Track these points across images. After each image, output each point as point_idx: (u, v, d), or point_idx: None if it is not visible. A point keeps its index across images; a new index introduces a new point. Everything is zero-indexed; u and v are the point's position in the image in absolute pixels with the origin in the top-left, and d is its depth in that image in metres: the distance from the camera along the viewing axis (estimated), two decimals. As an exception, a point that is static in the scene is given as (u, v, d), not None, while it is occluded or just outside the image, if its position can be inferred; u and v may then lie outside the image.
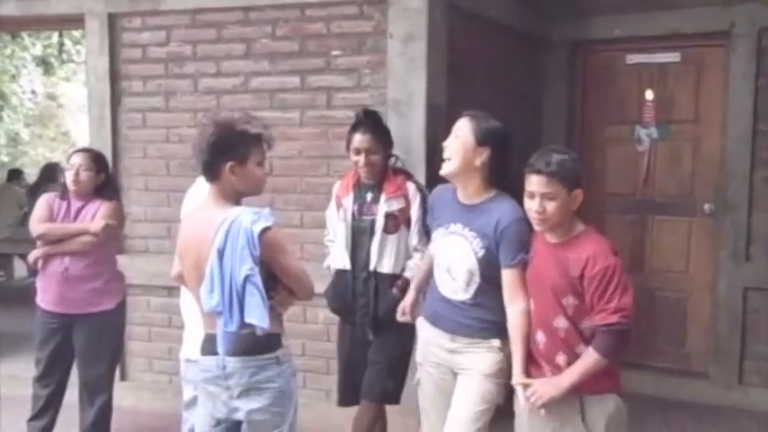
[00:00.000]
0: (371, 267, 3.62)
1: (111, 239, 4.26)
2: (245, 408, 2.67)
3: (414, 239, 3.62)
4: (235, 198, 2.69)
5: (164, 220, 4.89)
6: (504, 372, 2.96)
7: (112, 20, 4.95)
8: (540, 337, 2.80)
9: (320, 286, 4.20)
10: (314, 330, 4.61)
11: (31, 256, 4.26)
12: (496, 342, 2.95)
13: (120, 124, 5.02)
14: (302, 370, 4.58)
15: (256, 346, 2.63)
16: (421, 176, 4.03)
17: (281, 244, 2.65)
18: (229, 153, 2.61)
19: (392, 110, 4.29)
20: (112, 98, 4.99)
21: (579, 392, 2.73)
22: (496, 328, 2.94)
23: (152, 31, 4.89)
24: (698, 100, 5.35)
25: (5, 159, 12.74)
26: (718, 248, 5.26)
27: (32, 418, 4.36)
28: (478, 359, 2.98)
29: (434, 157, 3.69)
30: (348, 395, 3.80)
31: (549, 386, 2.72)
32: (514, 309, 2.87)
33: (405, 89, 4.27)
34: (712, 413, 5.06)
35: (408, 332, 3.50)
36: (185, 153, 4.74)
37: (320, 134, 4.52)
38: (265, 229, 2.54)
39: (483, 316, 2.96)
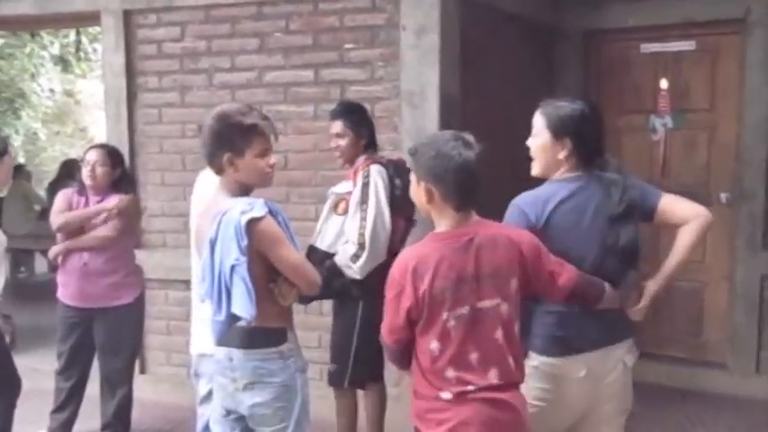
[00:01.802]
0: (312, 241, 3.79)
1: (128, 233, 4.32)
2: (248, 401, 2.67)
3: (347, 225, 3.71)
4: (240, 190, 2.67)
5: (180, 215, 4.94)
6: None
7: (128, 16, 5.00)
8: None
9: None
10: (329, 323, 4.63)
11: (52, 251, 4.32)
12: None
13: (136, 120, 5.07)
14: (319, 362, 4.61)
15: (260, 339, 2.64)
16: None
17: (272, 235, 2.58)
18: (226, 145, 2.60)
19: (405, 102, 4.30)
20: (129, 94, 5.05)
21: None
22: None
23: (167, 27, 4.93)
24: (713, 88, 5.32)
25: (22, 159, 12.84)
26: (735, 237, 5.24)
27: (55, 411, 4.44)
28: None
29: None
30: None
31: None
32: None
33: (418, 81, 4.28)
34: (729, 403, 5.05)
35: (349, 313, 3.74)
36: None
37: (334, 127, 4.54)
38: (255, 220, 2.51)
39: None
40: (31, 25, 7.35)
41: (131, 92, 5.05)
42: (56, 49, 12.36)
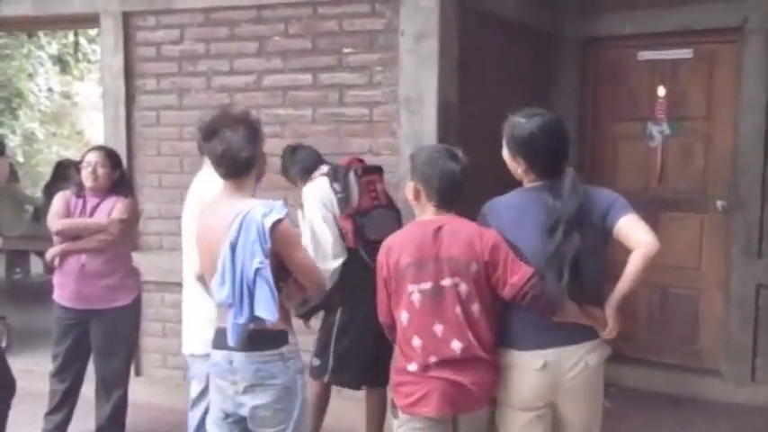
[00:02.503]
0: None
1: (127, 236, 4.32)
2: (249, 403, 2.69)
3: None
4: (251, 190, 2.75)
5: (177, 217, 4.88)
6: None
7: (127, 19, 5.00)
8: None
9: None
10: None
11: (49, 253, 4.32)
12: None
13: (134, 122, 5.07)
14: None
15: (261, 341, 2.65)
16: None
17: (292, 237, 2.67)
18: (261, 143, 2.76)
19: (404, 107, 4.32)
20: (127, 96, 5.05)
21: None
22: None
23: (166, 30, 4.94)
24: (710, 96, 5.35)
25: (21, 159, 12.83)
26: (731, 245, 5.25)
27: (49, 413, 4.42)
28: None
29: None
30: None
31: None
32: None
33: (416, 86, 4.29)
34: (724, 410, 5.06)
35: (331, 312, 3.91)
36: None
37: (332, 131, 4.55)
38: (277, 222, 2.57)
39: None
40: (30, 26, 7.36)
41: (130, 94, 5.06)
42: (53, 49, 12.35)
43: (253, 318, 2.57)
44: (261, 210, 2.57)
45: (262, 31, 4.69)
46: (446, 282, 2.67)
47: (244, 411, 2.71)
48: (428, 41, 4.26)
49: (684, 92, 5.41)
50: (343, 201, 3.82)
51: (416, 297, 2.69)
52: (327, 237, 3.81)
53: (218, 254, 2.61)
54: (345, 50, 4.50)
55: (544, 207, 2.67)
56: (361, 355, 3.89)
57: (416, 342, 2.68)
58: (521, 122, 2.81)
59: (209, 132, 2.68)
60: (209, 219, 2.77)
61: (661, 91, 5.46)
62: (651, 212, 5.51)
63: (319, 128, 4.59)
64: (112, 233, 4.14)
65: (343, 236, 3.83)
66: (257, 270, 2.53)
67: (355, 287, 3.75)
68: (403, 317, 2.72)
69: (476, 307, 2.68)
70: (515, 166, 2.84)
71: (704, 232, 5.42)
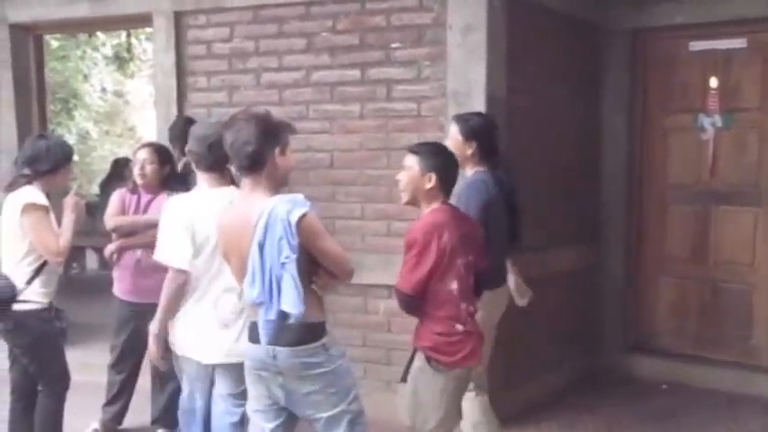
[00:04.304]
0: None
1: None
2: (300, 390, 2.77)
3: None
4: (273, 188, 2.78)
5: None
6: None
7: (178, 17, 5.10)
8: None
9: (384, 277, 4.29)
10: (375, 321, 4.67)
11: (107, 250, 4.45)
12: None
13: (186, 119, 5.15)
14: (363, 360, 4.65)
15: (304, 336, 2.72)
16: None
17: (318, 228, 2.72)
18: (276, 140, 2.77)
19: (452, 101, 4.32)
20: (178, 94, 5.14)
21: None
22: None
23: (216, 28, 5.02)
24: (764, 87, 5.22)
25: (76, 158, 13.14)
26: (786, 239, 5.14)
27: (107, 404, 4.55)
28: None
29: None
30: None
31: None
32: None
33: (464, 80, 4.29)
34: (780, 408, 4.96)
35: None
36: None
37: (380, 126, 4.57)
38: (302, 216, 2.62)
39: None
40: (86, 27, 7.55)
41: (181, 92, 5.15)
42: (108, 50, 12.62)
43: (281, 313, 2.63)
44: (284, 206, 2.62)
45: (310, 28, 4.73)
46: (470, 258, 3.22)
47: (297, 397, 2.79)
48: (476, 35, 4.25)
49: (737, 83, 5.30)
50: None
51: (462, 270, 3.17)
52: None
53: (248, 254, 2.66)
54: (393, 45, 4.51)
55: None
56: None
57: (463, 306, 3.18)
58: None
59: (225, 124, 2.82)
60: (231, 222, 2.82)
61: (713, 82, 5.36)
62: (703, 206, 5.46)
63: (367, 123, 4.61)
64: None
65: None
66: (282, 265, 2.58)
67: None
68: (453, 286, 3.15)
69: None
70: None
71: (758, 226, 5.30)
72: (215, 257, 3.25)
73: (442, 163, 3.24)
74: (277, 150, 2.76)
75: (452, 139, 3.71)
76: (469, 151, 3.67)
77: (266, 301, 2.65)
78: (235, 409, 3.41)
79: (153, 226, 4.23)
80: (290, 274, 2.59)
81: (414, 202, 3.29)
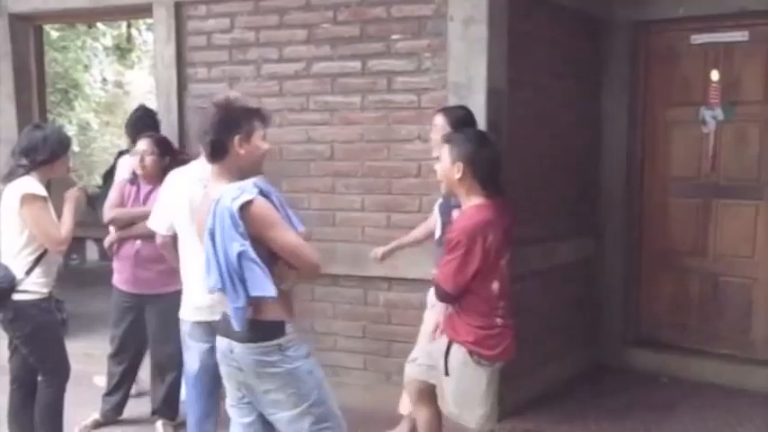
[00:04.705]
0: None
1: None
2: (260, 387, 2.71)
3: None
4: (238, 176, 2.68)
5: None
6: None
7: (179, 8, 5.08)
8: None
9: (383, 269, 4.29)
10: (374, 313, 4.67)
11: (107, 240, 4.47)
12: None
13: (185, 110, 5.14)
14: (363, 352, 4.66)
15: (259, 333, 2.66)
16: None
17: (266, 216, 2.60)
18: (236, 128, 2.66)
19: (452, 93, 4.30)
20: (179, 85, 5.13)
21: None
22: None
23: (216, 19, 5.00)
24: (766, 80, 5.20)
25: (77, 148, 13.11)
26: (787, 232, 5.14)
27: (107, 394, 4.56)
28: None
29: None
30: None
31: None
32: None
33: (465, 72, 4.28)
34: (779, 401, 4.96)
35: None
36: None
37: (381, 118, 4.56)
38: (247, 203, 2.54)
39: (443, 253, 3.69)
40: (86, 18, 7.52)
41: (181, 82, 5.13)
42: (108, 41, 12.59)
43: (250, 299, 2.58)
44: (231, 194, 2.55)
45: (310, 19, 4.71)
46: (509, 255, 3.29)
47: (257, 395, 2.73)
48: (477, 27, 4.23)
49: (739, 76, 5.28)
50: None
51: (505, 269, 3.25)
52: None
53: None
54: (394, 37, 4.49)
55: None
56: None
57: (502, 304, 3.25)
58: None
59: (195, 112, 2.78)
60: (199, 208, 2.80)
61: (715, 75, 5.34)
62: (704, 199, 5.45)
63: (368, 115, 4.60)
64: None
65: None
66: (240, 254, 2.53)
67: None
68: (494, 286, 3.21)
69: None
70: None
71: (758, 220, 5.29)
72: None
73: (470, 151, 3.18)
74: (237, 138, 2.65)
75: (440, 130, 3.75)
76: None
77: (228, 289, 2.60)
78: None
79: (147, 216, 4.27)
80: (253, 261, 2.53)
81: (452, 193, 3.31)
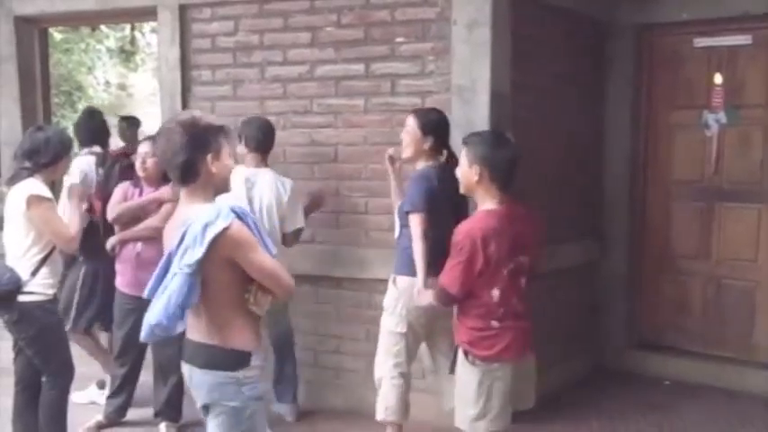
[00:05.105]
0: None
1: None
2: (209, 420, 2.65)
3: None
4: (211, 195, 2.61)
5: (232, 206, 5.01)
6: (400, 303, 3.84)
7: (183, 11, 5.09)
8: None
9: (387, 272, 4.29)
10: (378, 316, 4.62)
11: (108, 243, 4.47)
12: (392, 278, 3.94)
13: (189, 113, 5.15)
14: (365, 355, 4.61)
15: (219, 360, 2.57)
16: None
17: (244, 241, 2.51)
18: (207, 146, 2.55)
19: (456, 96, 4.32)
20: (183, 87, 5.13)
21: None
22: (399, 263, 3.89)
23: (220, 22, 5.01)
24: (769, 84, 5.22)
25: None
26: (789, 236, 5.14)
27: (110, 396, 4.57)
28: (386, 294, 3.98)
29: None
30: None
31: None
32: (417, 244, 3.72)
33: (469, 76, 4.29)
34: (781, 404, 4.96)
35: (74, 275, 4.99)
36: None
37: (384, 121, 4.56)
38: (224, 230, 2.44)
39: (398, 253, 3.94)
40: (91, 20, 7.55)
41: (185, 85, 5.14)
42: (111, 43, 12.63)
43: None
44: (204, 219, 2.44)
45: (314, 22, 4.72)
46: (521, 259, 3.22)
47: (209, 422, 2.66)
48: (481, 30, 4.24)
49: (742, 79, 5.29)
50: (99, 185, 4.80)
51: (507, 278, 3.19)
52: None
53: None
54: (398, 40, 4.50)
55: None
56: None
57: (501, 311, 3.21)
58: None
59: (156, 135, 2.63)
60: (167, 233, 2.67)
61: (718, 79, 5.35)
62: (707, 203, 5.46)
63: (372, 117, 4.61)
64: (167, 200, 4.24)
65: None
66: (174, 274, 2.43)
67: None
68: (495, 293, 3.19)
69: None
70: None
71: (761, 223, 5.29)
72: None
73: (487, 153, 3.17)
74: (209, 157, 2.54)
75: (410, 132, 3.86)
76: (426, 145, 3.86)
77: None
78: None
79: (152, 203, 4.31)
80: (178, 284, 2.41)
81: (470, 195, 3.35)
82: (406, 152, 3.95)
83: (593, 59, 5.49)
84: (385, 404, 3.96)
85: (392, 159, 4.09)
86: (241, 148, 4.35)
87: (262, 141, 4.42)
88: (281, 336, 4.61)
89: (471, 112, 4.27)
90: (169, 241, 2.58)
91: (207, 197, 2.59)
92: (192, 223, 2.46)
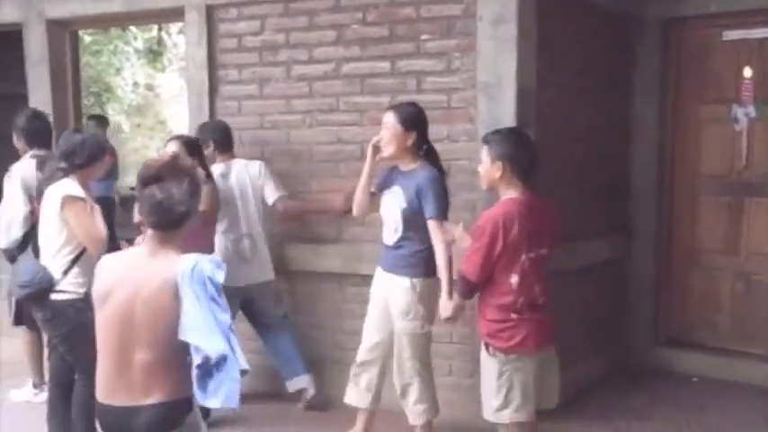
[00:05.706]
0: None
1: (206, 222, 4.45)
2: None
3: None
4: (182, 244, 2.57)
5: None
6: (419, 306, 3.82)
7: (210, 11, 5.14)
8: None
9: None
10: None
11: (137, 242, 4.50)
12: (407, 282, 3.84)
13: (216, 112, 5.20)
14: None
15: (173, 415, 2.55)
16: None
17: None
18: (199, 194, 2.58)
19: (482, 93, 4.31)
20: (210, 87, 5.19)
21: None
22: (410, 265, 3.84)
23: (247, 21, 5.05)
24: (800, 77, 5.15)
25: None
26: (821, 231, 5.07)
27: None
28: (396, 299, 3.88)
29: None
30: None
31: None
32: (446, 254, 3.72)
33: (494, 72, 4.28)
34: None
35: None
36: (279, 139, 4.92)
37: (410, 118, 4.56)
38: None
39: (403, 256, 3.88)
40: (119, 22, 7.65)
41: (212, 84, 5.19)
42: (139, 44, 12.78)
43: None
44: (208, 265, 2.42)
45: (340, 20, 4.74)
46: (542, 251, 3.35)
47: None
48: (507, 26, 4.24)
49: (772, 73, 5.23)
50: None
51: (526, 265, 3.29)
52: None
53: (136, 311, 2.49)
54: (423, 37, 4.51)
55: None
56: None
57: (521, 300, 3.30)
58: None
59: (150, 178, 2.48)
60: (123, 268, 2.59)
61: (747, 72, 5.29)
62: (735, 197, 5.40)
63: (397, 115, 4.61)
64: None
65: None
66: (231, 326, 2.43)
67: None
68: (513, 280, 3.29)
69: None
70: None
71: (792, 218, 5.24)
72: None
73: (509, 150, 3.32)
74: (198, 205, 2.59)
75: (391, 128, 3.85)
76: (409, 141, 3.86)
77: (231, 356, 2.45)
78: None
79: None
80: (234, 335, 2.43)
81: (492, 190, 3.46)
82: (388, 149, 3.90)
83: (619, 54, 5.45)
84: (423, 406, 3.96)
85: (375, 149, 3.97)
86: (209, 152, 4.71)
87: (221, 141, 4.78)
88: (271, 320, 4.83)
89: (497, 109, 4.26)
90: (124, 281, 2.52)
91: (177, 248, 2.53)
92: (194, 268, 2.41)
